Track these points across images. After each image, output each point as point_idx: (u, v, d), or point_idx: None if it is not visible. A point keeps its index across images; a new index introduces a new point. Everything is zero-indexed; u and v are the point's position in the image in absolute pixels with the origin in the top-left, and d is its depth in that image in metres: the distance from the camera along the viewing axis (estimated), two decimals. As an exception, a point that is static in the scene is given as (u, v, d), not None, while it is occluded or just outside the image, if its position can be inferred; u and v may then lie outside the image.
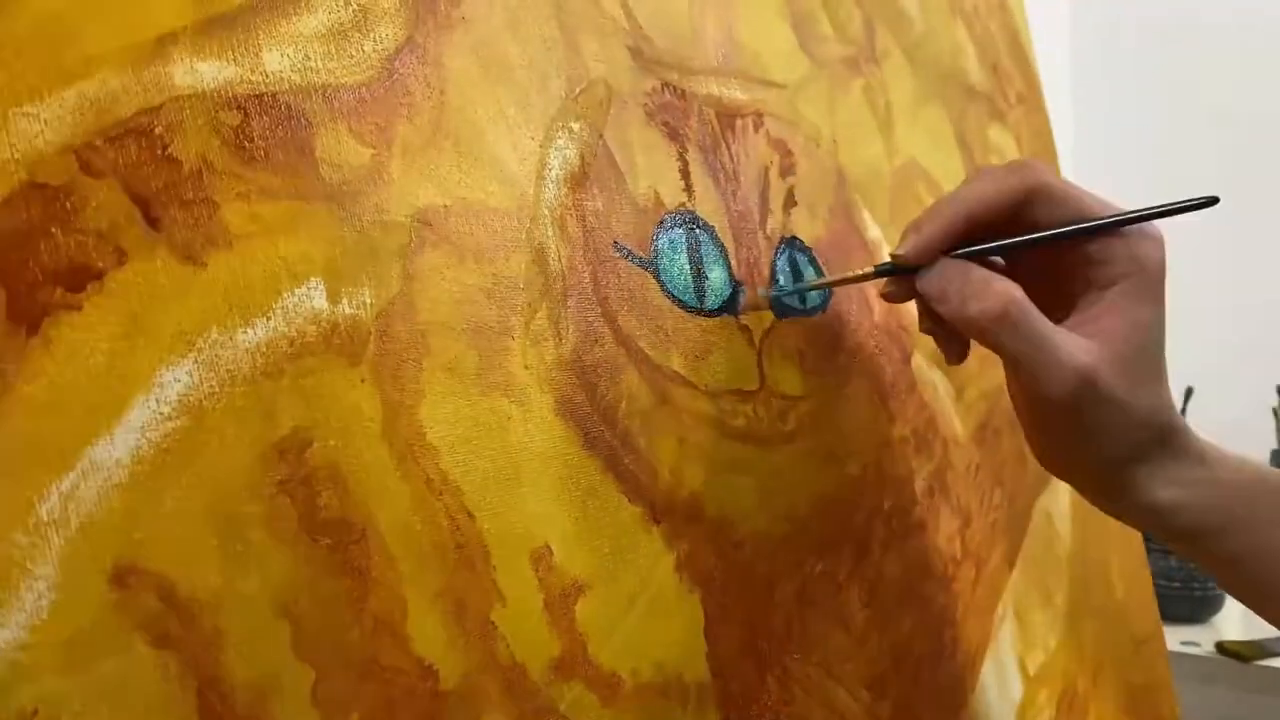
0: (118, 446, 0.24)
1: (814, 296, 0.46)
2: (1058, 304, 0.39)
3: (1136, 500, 0.39)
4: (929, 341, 0.54)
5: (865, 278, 0.42)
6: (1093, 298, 0.38)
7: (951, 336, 0.42)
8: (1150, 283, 0.38)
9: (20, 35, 0.23)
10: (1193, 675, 1.10)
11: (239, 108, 0.27)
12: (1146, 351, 0.38)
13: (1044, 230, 0.39)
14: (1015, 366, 0.37)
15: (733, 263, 0.42)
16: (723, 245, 0.42)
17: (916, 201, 0.56)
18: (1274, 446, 1.30)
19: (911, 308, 0.52)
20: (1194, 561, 0.42)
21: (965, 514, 0.54)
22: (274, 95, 0.28)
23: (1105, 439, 0.38)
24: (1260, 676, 1.13)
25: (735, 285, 0.42)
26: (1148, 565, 0.75)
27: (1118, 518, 0.42)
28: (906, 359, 0.52)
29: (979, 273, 0.37)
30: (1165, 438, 0.39)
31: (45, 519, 0.22)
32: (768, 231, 0.45)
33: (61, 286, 0.23)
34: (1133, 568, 0.72)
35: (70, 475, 0.23)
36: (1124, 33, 1.65)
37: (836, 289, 0.48)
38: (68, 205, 0.24)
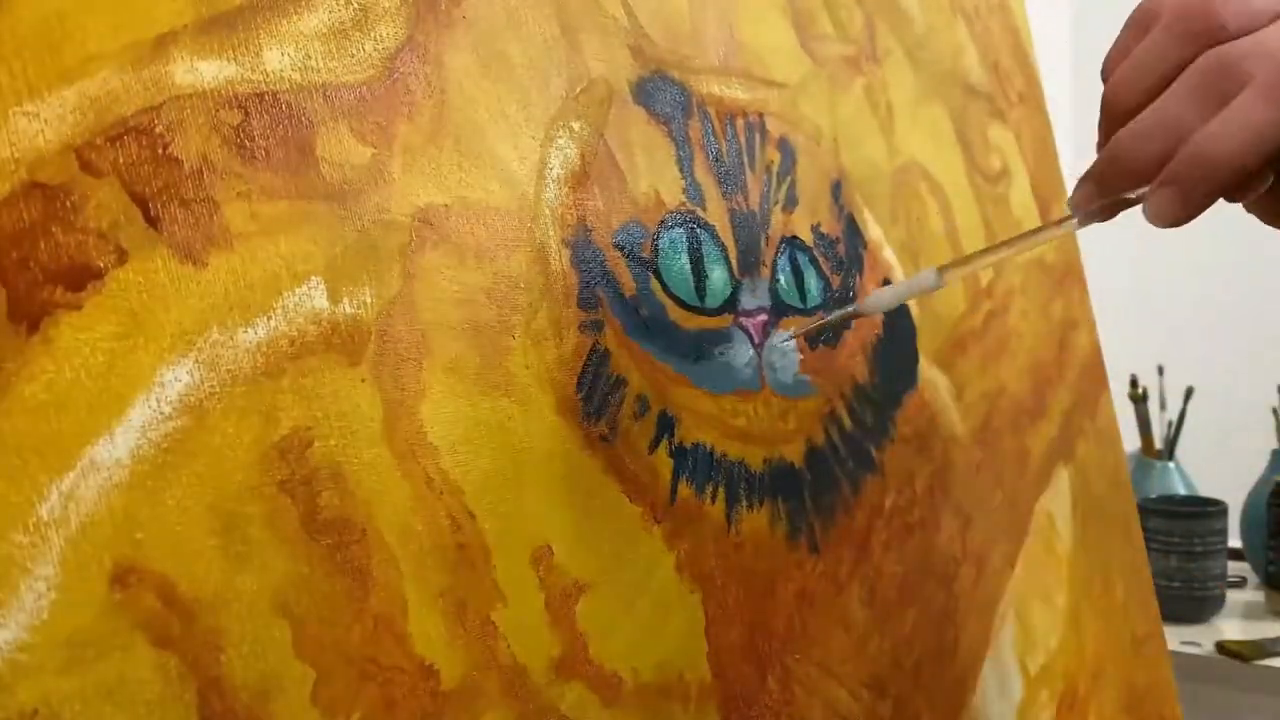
0: (118, 446, 0.24)
1: (814, 296, 0.46)
2: None
3: None
4: (932, 341, 0.54)
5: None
6: None
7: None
8: None
9: (21, 34, 0.23)
10: (1193, 675, 1.10)
11: (239, 107, 0.27)
12: None
13: None
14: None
15: (733, 262, 0.42)
16: (723, 244, 0.42)
17: (918, 201, 0.56)
18: (1274, 446, 1.30)
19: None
20: None
21: (966, 514, 0.54)
22: (275, 94, 0.28)
23: None
24: (1260, 676, 1.13)
25: (735, 284, 0.42)
26: (1148, 565, 0.75)
27: None
28: (908, 358, 0.52)
29: None
30: None
31: (45, 519, 0.22)
32: (768, 231, 0.45)
33: (62, 286, 0.23)
34: (1133, 568, 0.72)
35: (70, 475, 0.23)
36: (1124, 32, 1.64)
37: (838, 292, 0.48)
38: (68, 204, 0.24)
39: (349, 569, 0.27)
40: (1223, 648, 1.16)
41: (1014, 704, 0.55)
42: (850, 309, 0.41)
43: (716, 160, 0.43)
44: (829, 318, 0.43)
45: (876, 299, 0.41)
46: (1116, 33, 0.36)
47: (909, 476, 0.50)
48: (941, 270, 0.38)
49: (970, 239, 0.60)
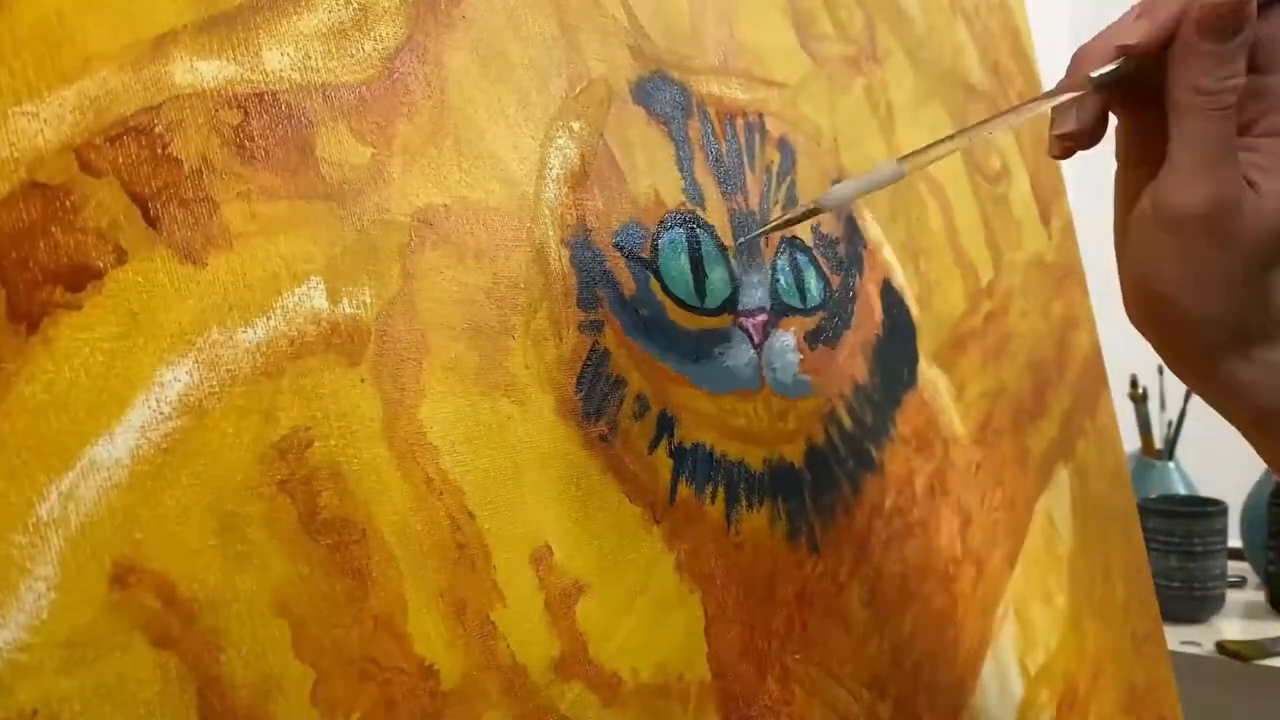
0: (118, 446, 0.24)
1: (814, 295, 0.46)
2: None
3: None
4: (932, 341, 0.54)
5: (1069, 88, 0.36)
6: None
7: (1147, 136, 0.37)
8: None
9: (20, 34, 0.23)
10: (1193, 675, 1.10)
11: (239, 106, 0.27)
12: None
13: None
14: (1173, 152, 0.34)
15: (733, 262, 0.42)
16: (723, 245, 0.42)
17: (918, 202, 0.56)
18: (1274, 446, 1.30)
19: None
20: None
21: (966, 514, 0.54)
22: (274, 94, 0.28)
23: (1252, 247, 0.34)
24: (1260, 676, 1.13)
25: (735, 284, 0.42)
26: (1148, 565, 0.75)
27: (1227, 381, 0.36)
28: (908, 358, 0.52)
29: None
30: None
31: (45, 519, 0.22)
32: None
33: (61, 286, 0.23)
34: (1133, 568, 0.72)
35: (70, 475, 0.23)
36: (1124, 32, 1.64)
37: (838, 296, 0.48)
38: (67, 204, 0.24)
39: (349, 569, 0.27)
40: (1223, 648, 1.16)
41: (1014, 704, 0.55)
42: (811, 203, 0.40)
43: (716, 160, 0.43)
44: (790, 214, 0.41)
45: (839, 192, 0.39)
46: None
47: (909, 476, 0.50)
48: (902, 160, 0.38)
49: (970, 238, 0.60)
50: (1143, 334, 0.38)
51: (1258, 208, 0.34)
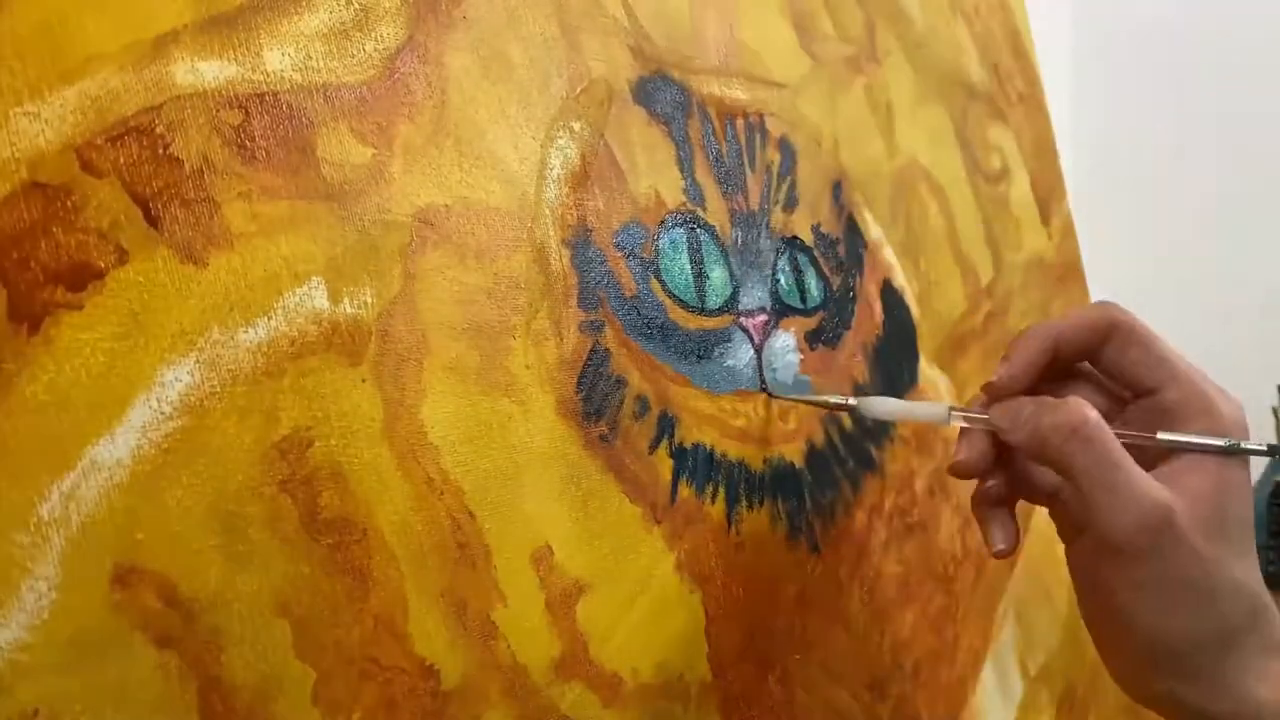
0: (119, 446, 0.24)
1: (815, 295, 0.46)
2: (1137, 460, 0.34)
3: (1227, 693, 0.33)
4: (932, 341, 0.54)
5: (973, 421, 0.38)
6: (1174, 457, 0.35)
7: (1007, 518, 0.38)
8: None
9: (21, 34, 0.23)
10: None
11: (240, 107, 0.27)
12: (1231, 514, 0.33)
13: (1121, 370, 0.36)
14: (1085, 496, 0.33)
15: (733, 262, 0.42)
16: (723, 245, 0.42)
17: (917, 201, 0.56)
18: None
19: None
20: None
21: (966, 514, 0.54)
22: (275, 94, 0.28)
23: (1186, 604, 0.33)
24: (1260, 676, 1.13)
25: (735, 284, 0.42)
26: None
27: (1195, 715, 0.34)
28: (908, 358, 0.52)
29: (1053, 399, 0.35)
30: (1257, 622, 0.33)
31: (46, 519, 0.22)
32: (769, 231, 0.45)
33: (62, 286, 0.23)
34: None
35: (71, 475, 0.23)
36: (1124, 33, 1.65)
37: (838, 282, 0.48)
38: (69, 204, 0.24)
39: (349, 569, 0.27)
40: (1222, 648, 1.15)
41: (1014, 704, 0.55)
42: (851, 400, 0.41)
43: (717, 160, 0.43)
44: (828, 400, 0.42)
45: (880, 406, 0.41)
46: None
47: (909, 476, 0.50)
48: (953, 410, 0.39)
49: (970, 238, 0.61)
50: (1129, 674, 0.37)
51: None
